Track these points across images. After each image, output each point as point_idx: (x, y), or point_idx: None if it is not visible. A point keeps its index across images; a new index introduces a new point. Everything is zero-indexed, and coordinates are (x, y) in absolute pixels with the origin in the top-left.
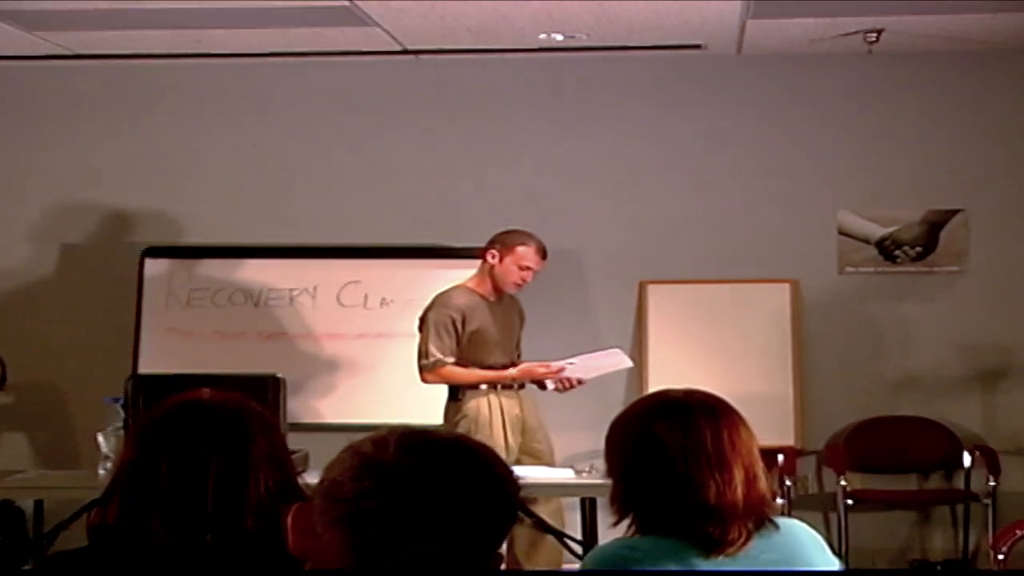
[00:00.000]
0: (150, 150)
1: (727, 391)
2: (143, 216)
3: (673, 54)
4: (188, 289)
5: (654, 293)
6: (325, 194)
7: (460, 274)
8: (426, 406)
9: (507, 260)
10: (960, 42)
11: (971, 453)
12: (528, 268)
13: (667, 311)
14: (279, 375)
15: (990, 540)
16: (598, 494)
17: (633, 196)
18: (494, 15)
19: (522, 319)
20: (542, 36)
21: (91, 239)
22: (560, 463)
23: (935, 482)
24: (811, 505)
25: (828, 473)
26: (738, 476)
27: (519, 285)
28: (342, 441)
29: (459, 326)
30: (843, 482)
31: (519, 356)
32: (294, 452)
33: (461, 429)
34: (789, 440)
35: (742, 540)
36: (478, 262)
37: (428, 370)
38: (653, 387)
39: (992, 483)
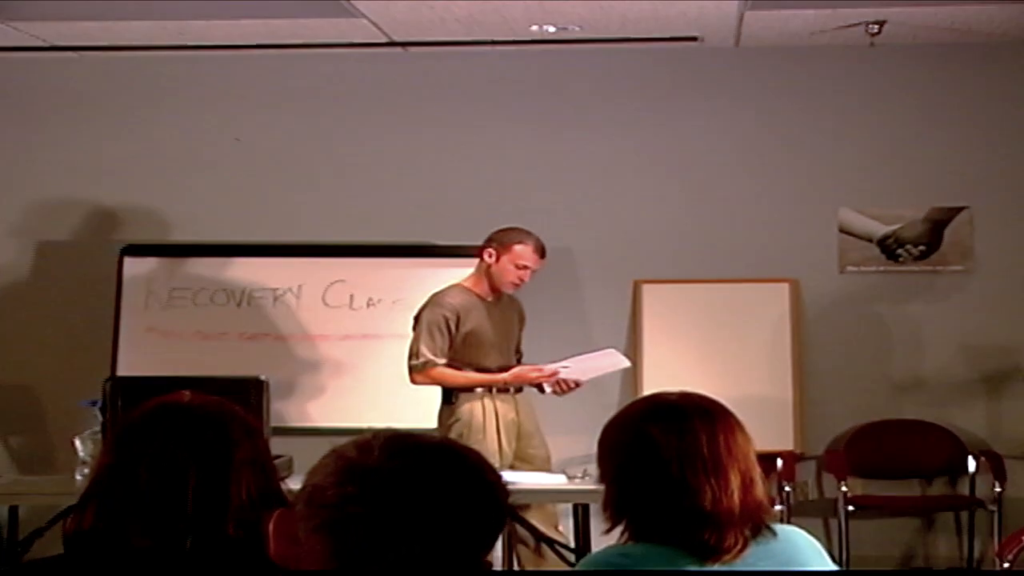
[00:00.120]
0: (130, 146)
1: (724, 394)
2: (122, 213)
3: (669, 47)
4: (169, 288)
5: (649, 293)
6: (310, 191)
7: (449, 273)
8: (414, 409)
9: (504, 259)
10: (965, 34)
11: (976, 458)
12: (526, 267)
13: (662, 311)
14: (262, 377)
15: (995, 548)
16: (591, 500)
17: (627, 193)
18: (484, 6)
19: (522, 320)
20: (534, 28)
21: (69, 237)
22: (554, 468)
23: (939, 488)
24: (811, 512)
25: (828, 479)
26: (734, 481)
27: (517, 285)
28: (327, 445)
29: (452, 326)
30: (844, 488)
31: (521, 358)
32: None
33: (454, 433)
34: (788, 444)
35: (738, 547)
36: (467, 261)
37: (417, 371)
38: (648, 390)
39: (998, 489)
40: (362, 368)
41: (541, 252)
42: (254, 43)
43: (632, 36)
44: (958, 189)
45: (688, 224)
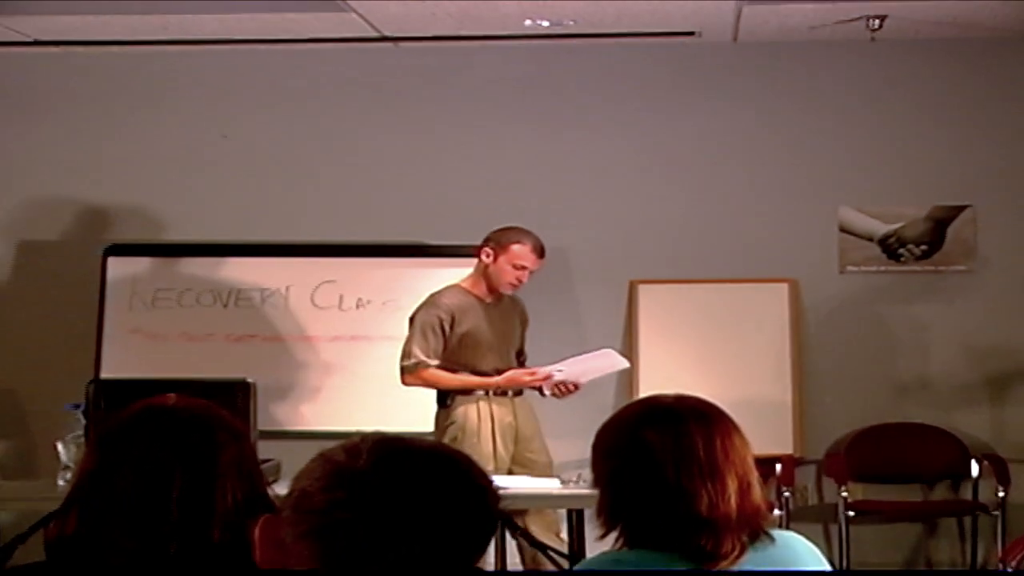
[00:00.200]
0: (113, 143)
1: (722, 396)
2: (106, 212)
3: (665, 42)
4: (153, 289)
5: (645, 293)
6: (298, 189)
7: (441, 273)
8: (405, 412)
9: (501, 259)
10: (968, 29)
11: (979, 462)
12: (524, 268)
13: (659, 312)
14: (249, 380)
15: (999, 553)
16: (585, 505)
17: (623, 191)
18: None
19: (525, 322)
20: (527, 22)
21: (51, 236)
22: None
23: (941, 492)
24: (811, 517)
25: (828, 483)
26: (731, 486)
27: (515, 286)
28: (316, 449)
29: (446, 327)
30: (844, 493)
31: (525, 360)
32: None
33: (448, 436)
34: (787, 448)
35: (735, 553)
36: (459, 260)
37: (409, 372)
38: (644, 392)
39: (1001, 493)
40: (352, 370)
41: (540, 252)
42: (240, 38)
43: (628, 31)
44: (961, 187)
45: (685, 223)
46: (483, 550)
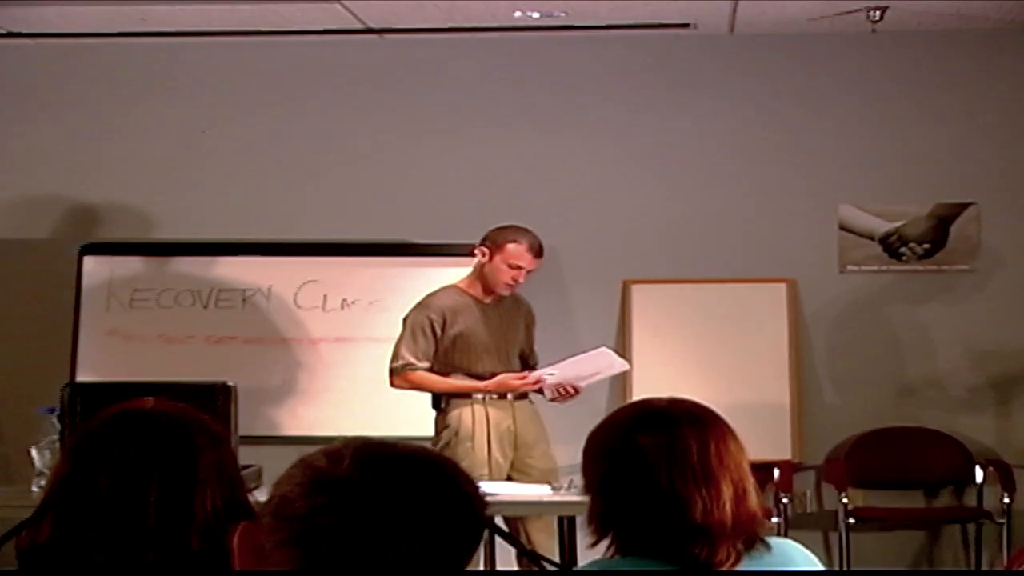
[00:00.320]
0: (89, 138)
1: (718, 400)
2: (81, 210)
3: (659, 34)
4: (130, 289)
5: (638, 293)
6: (281, 186)
7: (427, 273)
8: (392, 417)
9: (497, 258)
10: (971, 20)
11: (984, 468)
12: (520, 267)
13: (653, 313)
14: (230, 383)
15: (1004, 562)
16: (576, 512)
17: (615, 188)
18: None
19: (530, 323)
20: (517, 14)
21: (24, 234)
22: None
23: (944, 499)
24: (810, 524)
25: (828, 489)
26: (726, 492)
27: (511, 286)
28: (298, 456)
29: (438, 329)
30: (844, 499)
31: (535, 362)
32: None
33: (442, 440)
34: (786, 454)
35: (731, 562)
36: (447, 260)
37: (396, 374)
38: (637, 395)
39: (1006, 500)
40: (336, 373)
41: (537, 251)
42: (220, 30)
43: (620, 23)
44: (964, 184)
45: (680, 221)
46: (469, 558)
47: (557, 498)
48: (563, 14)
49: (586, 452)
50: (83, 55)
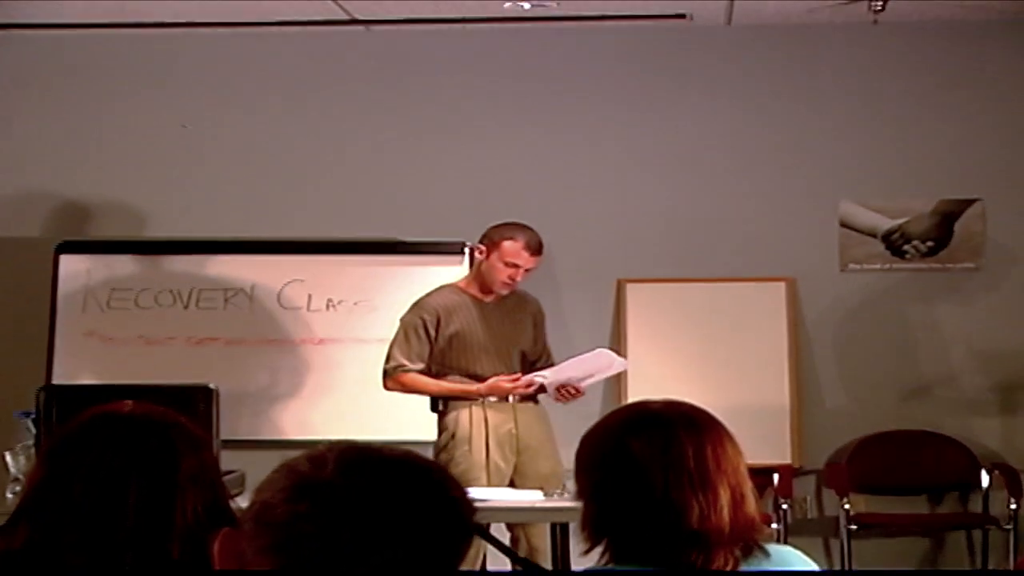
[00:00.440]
0: (65, 132)
1: (715, 403)
2: (57, 207)
3: (654, 25)
4: (109, 289)
5: (633, 293)
6: (265, 183)
7: (415, 272)
8: (379, 421)
9: (493, 256)
10: (976, 10)
11: (989, 472)
12: (517, 266)
13: (648, 313)
14: (211, 385)
15: (1011, 569)
16: (569, 519)
17: (609, 184)
18: None
19: (538, 321)
20: (507, 4)
21: None
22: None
23: (949, 505)
24: (810, 531)
25: (829, 495)
26: (724, 497)
27: (508, 284)
28: (281, 460)
29: (431, 329)
30: (846, 505)
31: (547, 360)
32: (228, 472)
33: (440, 443)
34: (785, 458)
35: (728, 569)
36: (436, 258)
37: (388, 375)
38: (632, 398)
39: (1013, 506)
40: (321, 376)
41: (534, 249)
42: (201, 21)
43: (614, 14)
44: (969, 180)
45: (675, 218)
46: (456, 565)
47: (549, 504)
48: (554, 4)
49: (579, 456)
50: (60, 48)
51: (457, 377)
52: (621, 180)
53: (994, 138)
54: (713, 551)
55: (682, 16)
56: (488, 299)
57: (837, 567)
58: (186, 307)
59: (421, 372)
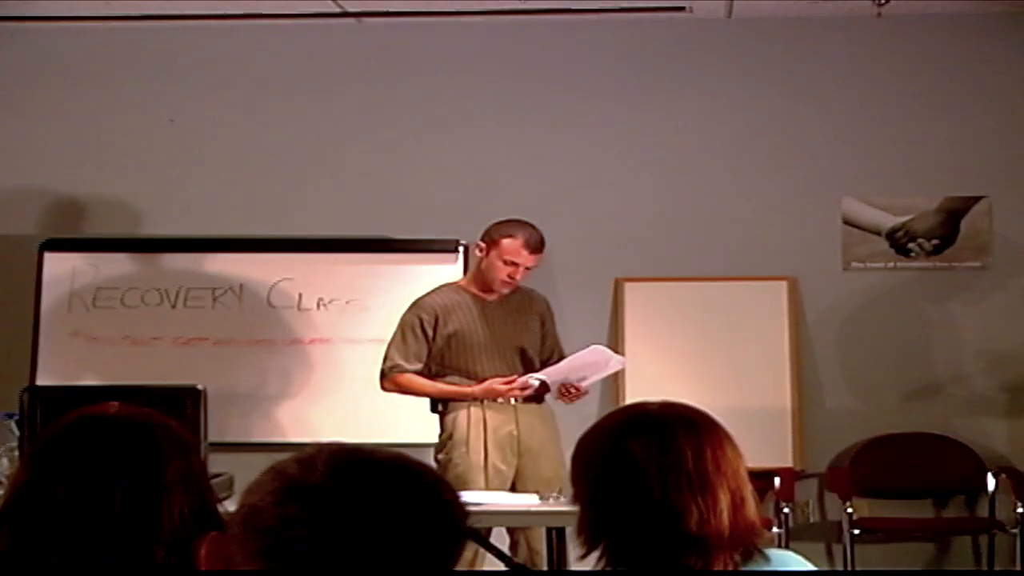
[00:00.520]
0: (50, 127)
1: (715, 404)
2: (41, 204)
3: (653, 17)
4: (94, 288)
5: (631, 292)
6: (254, 179)
7: (407, 270)
8: (372, 422)
9: (492, 254)
10: (982, 3)
11: (996, 476)
12: (515, 264)
13: (646, 313)
14: (199, 386)
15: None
16: (566, 523)
17: (607, 180)
18: None
19: (545, 319)
20: None
21: None
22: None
23: (955, 509)
24: (812, 535)
25: (832, 499)
26: (723, 500)
27: (507, 283)
28: (271, 463)
29: (429, 329)
30: (849, 509)
31: (558, 359)
32: (216, 476)
33: (440, 445)
34: (787, 461)
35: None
36: (429, 256)
37: (385, 376)
38: (630, 399)
39: (1020, 510)
40: (311, 377)
41: (533, 247)
42: (189, 14)
43: (610, 7)
44: (975, 176)
45: (674, 216)
46: (449, 569)
47: (545, 508)
48: None
49: (575, 459)
50: (43, 41)
51: (456, 378)
52: (618, 176)
53: (1000, 134)
54: (712, 555)
55: (681, 8)
56: (490, 298)
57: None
58: (173, 306)
59: (420, 372)
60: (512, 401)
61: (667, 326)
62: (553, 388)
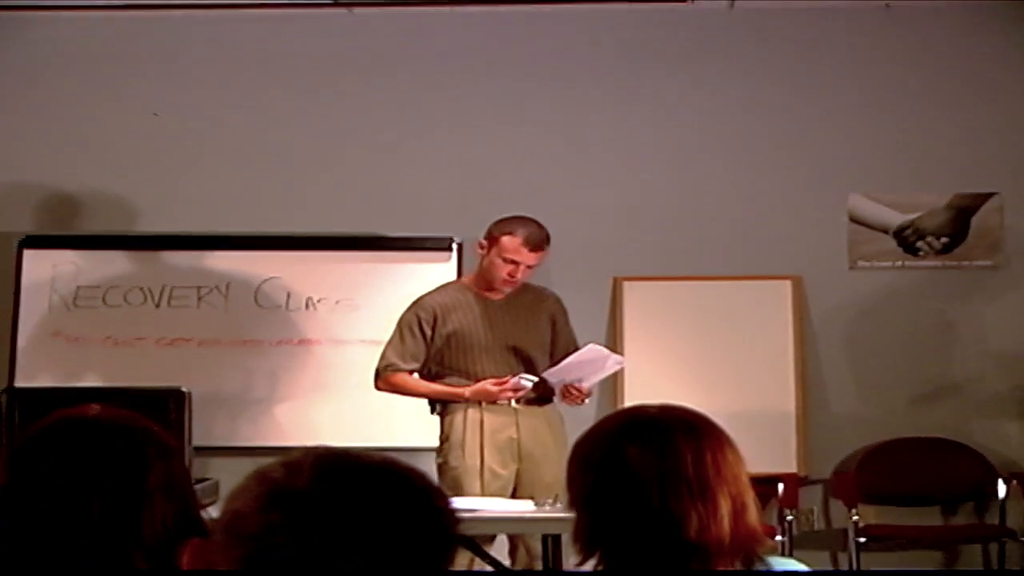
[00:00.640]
0: (29, 120)
1: (716, 408)
2: (20, 200)
3: (654, 8)
4: (75, 286)
5: (631, 291)
6: (241, 175)
7: (400, 269)
8: (362, 426)
9: (492, 252)
10: None
11: (1007, 482)
12: (515, 262)
13: (645, 313)
14: (184, 389)
15: None
16: (562, 530)
17: (606, 176)
18: None
19: (556, 319)
20: None
21: None
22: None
23: (964, 516)
24: (817, 543)
25: (837, 506)
26: (724, 507)
27: (508, 282)
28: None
29: (427, 328)
30: (855, 516)
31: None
32: (201, 481)
33: (438, 447)
34: (791, 466)
35: None
36: (422, 255)
37: (379, 376)
38: (628, 402)
39: None
40: (300, 379)
41: (533, 245)
42: (174, 3)
43: None
44: (986, 172)
45: (674, 213)
46: None
47: (540, 514)
48: None
49: (571, 464)
50: (22, 28)
51: (456, 378)
52: (617, 172)
53: (1013, 128)
54: (712, 563)
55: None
56: (496, 297)
57: None
58: (157, 305)
59: (417, 372)
60: (513, 403)
61: (667, 327)
62: (556, 390)
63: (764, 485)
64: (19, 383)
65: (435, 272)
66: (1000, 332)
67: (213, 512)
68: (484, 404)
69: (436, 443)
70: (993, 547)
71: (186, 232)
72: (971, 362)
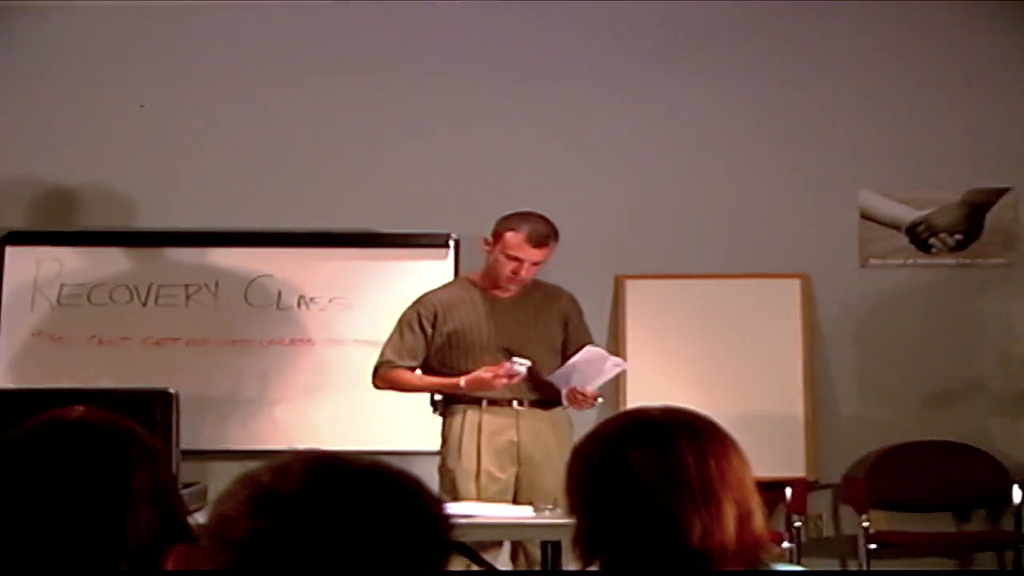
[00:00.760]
0: (10, 112)
1: (721, 410)
2: (2, 195)
3: (657, 3)
4: (59, 284)
5: (633, 290)
6: (231, 170)
7: (395, 267)
8: (355, 429)
9: (497, 249)
10: None
11: (1022, 487)
12: (519, 259)
13: (648, 312)
14: (171, 390)
15: None
16: (561, 536)
17: (608, 172)
18: None
19: (567, 318)
20: None
21: None
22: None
23: (978, 523)
24: (826, 550)
25: (847, 511)
26: (729, 512)
27: (513, 279)
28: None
29: (427, 325)
30: (865, 522)
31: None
32: (188, 485)
33: (439, 450)
34: (799, 471)
35: None
36: (418, 252)
37: (376, 373)
38: (631, 404)
39: None
40: (291, 380)
41: (536, 241)
42: None
43: None
44: (1001, 167)
45: (678, 210)
46: None
47: (539, 520)
48: None
49: (571, 468)
50: (7, 22)
51: (451, 376)
52: (619, 168)
53: None
54: (716, 570)
55: None
56: (504, 295)
57: None
58: (144, 304)
59: (412, 369)
60: (515, 405)
61: (671, 327)
62: (562, 394)
63: (771, 490)
64: (1, 384)
65: (431, 270)
66: (1015, 332)
67: (201, 518)
68: (484, 405)
69: (433, 446)
70: (1009, 554)
71: (174, 228)
72: (985, 363)
